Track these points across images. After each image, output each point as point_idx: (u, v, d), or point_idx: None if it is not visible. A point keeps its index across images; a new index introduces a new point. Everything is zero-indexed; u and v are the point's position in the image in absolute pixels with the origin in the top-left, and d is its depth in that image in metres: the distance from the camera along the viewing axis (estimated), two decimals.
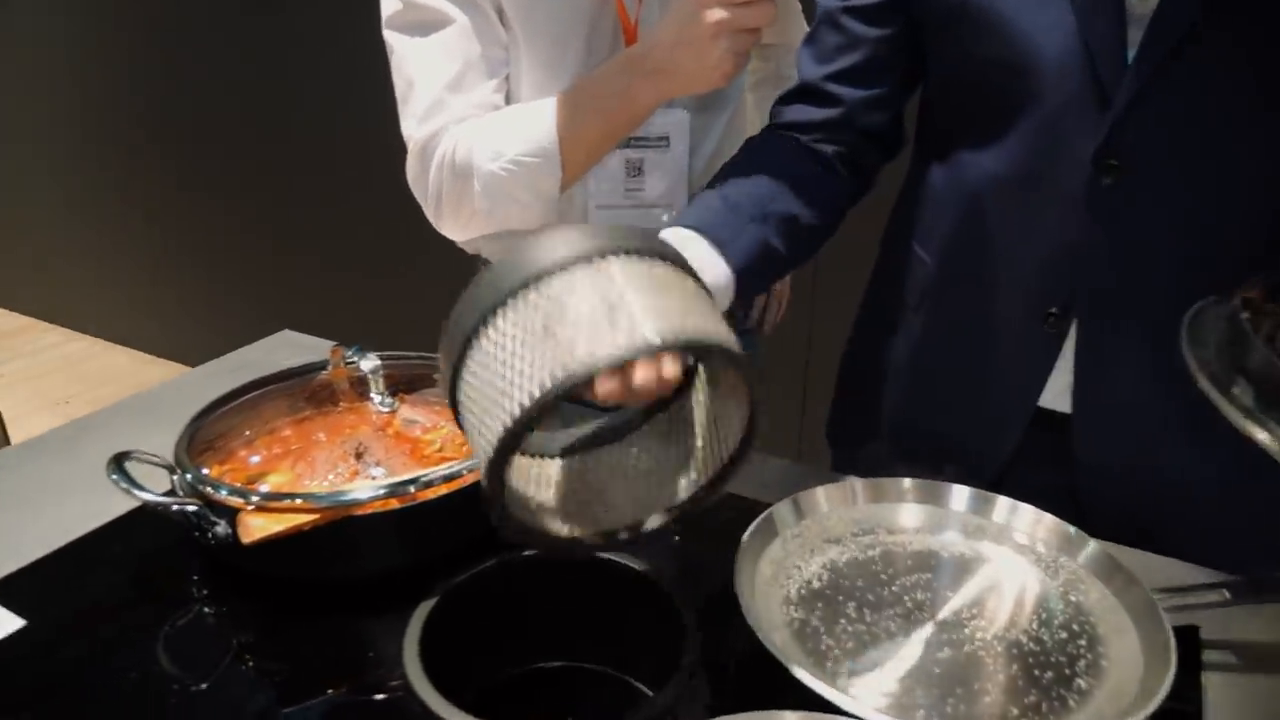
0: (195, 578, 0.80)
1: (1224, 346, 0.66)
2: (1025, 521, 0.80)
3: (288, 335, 1.29)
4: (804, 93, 0.92)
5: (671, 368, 0.61)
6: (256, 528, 0.72)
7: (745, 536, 0.75)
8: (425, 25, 1.00)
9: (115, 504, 0.87)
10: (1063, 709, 0.64)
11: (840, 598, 0.73)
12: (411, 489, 0.75)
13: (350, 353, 0.92)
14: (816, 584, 0.75)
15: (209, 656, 0.72)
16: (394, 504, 0.75)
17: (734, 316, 0.91)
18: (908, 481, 0.84)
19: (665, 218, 1.08)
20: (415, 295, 2.50)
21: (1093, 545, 0.77)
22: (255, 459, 0.85)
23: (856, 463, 1.02)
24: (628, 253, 0.58)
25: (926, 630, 0.70)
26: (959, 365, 0.92)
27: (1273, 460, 0.60)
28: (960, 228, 0.88)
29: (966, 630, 0.70)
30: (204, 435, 0.85)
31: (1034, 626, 0.71)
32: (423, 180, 1.03)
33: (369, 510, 0.74)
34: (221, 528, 0.75)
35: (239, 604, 0.78)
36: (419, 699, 0.66)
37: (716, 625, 0.73)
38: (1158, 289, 0.80)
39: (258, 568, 0.78)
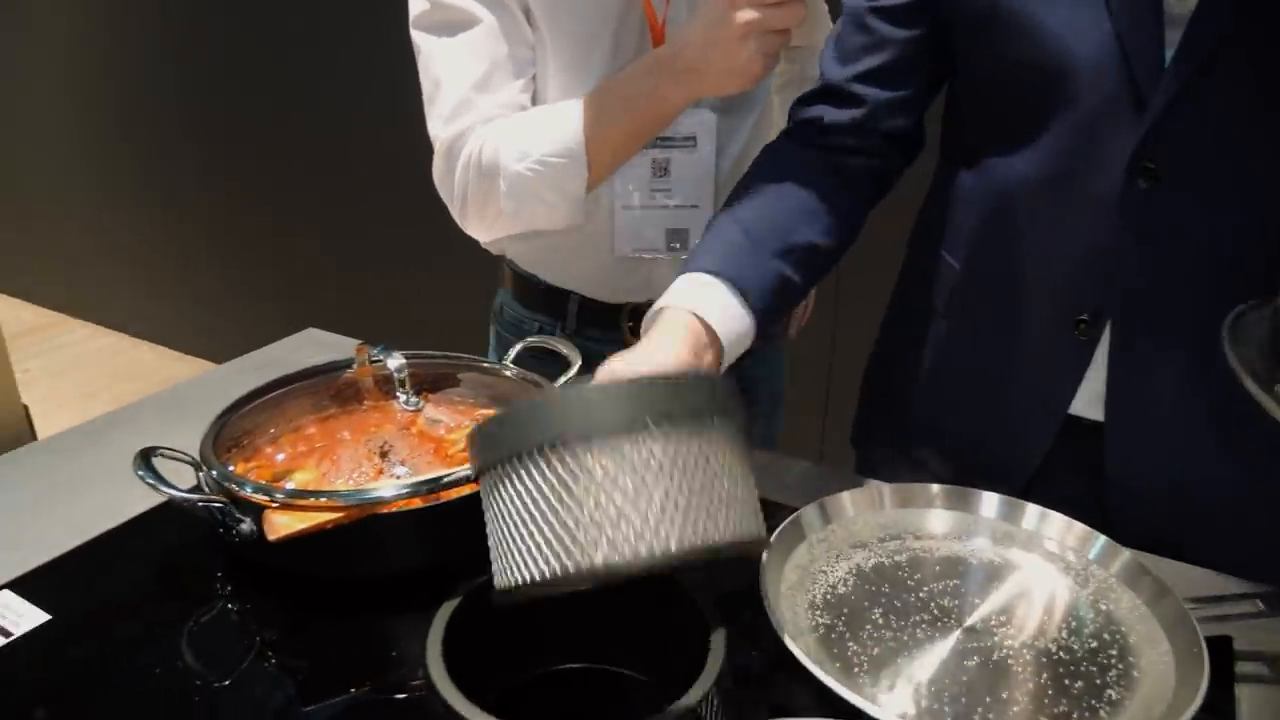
0: (219, 574, 0.80)
1: (1267, 346, 0.66)
2: (1055, 529, 0.79)
3: (313, 333, 1.29)
4: (827, 93, 0.91)
5: None
6: (281, 525, 0.72)
7: (771, 540, 0.74)
8: (452, 25, 1.00)
9: (140, 500, 0.87)
10: (1094, 719, 0.63)
11: (866, 603, 0.72)
12: (435, 488, 0.75)
13: (376, 351, 0.92)
14: (842, 589, 0.74)
15: (232, 653, 0.72)
16: (418, 503, 0.75)
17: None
18: (936, 487, 0.83)
19: (690, 223, 1.07)
20: (440, 295, 2.51)
21: (1125, 554, 0.76)
22: (280, 456, 0.85)
23: (881, 467, 1.02)
24: (675, 419, 0.57)
25: (954, 637, 0.69)
26: (987, 372, 0.91)
27: None
28: (989, 232, 0.87)
29: (995, 638, 0.69)
30: (230, 432, 0.85)
31: (1064, 635, 0.70)
32: (449, 180, 1.03)
33: (393, 509, 0.74)
34: (246, 525, 0.75)
35: (262, 601, 0.78)
36: (441, 699, 0.66)
37: (741, 629, 0.73)
38: (1193, 293, 0.78)
39: (282, 565, 0.78)
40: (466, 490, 0.76)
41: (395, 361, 0.91)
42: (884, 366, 1.05)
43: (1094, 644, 0.69)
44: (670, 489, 0.56)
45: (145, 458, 0.78)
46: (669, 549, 0.56)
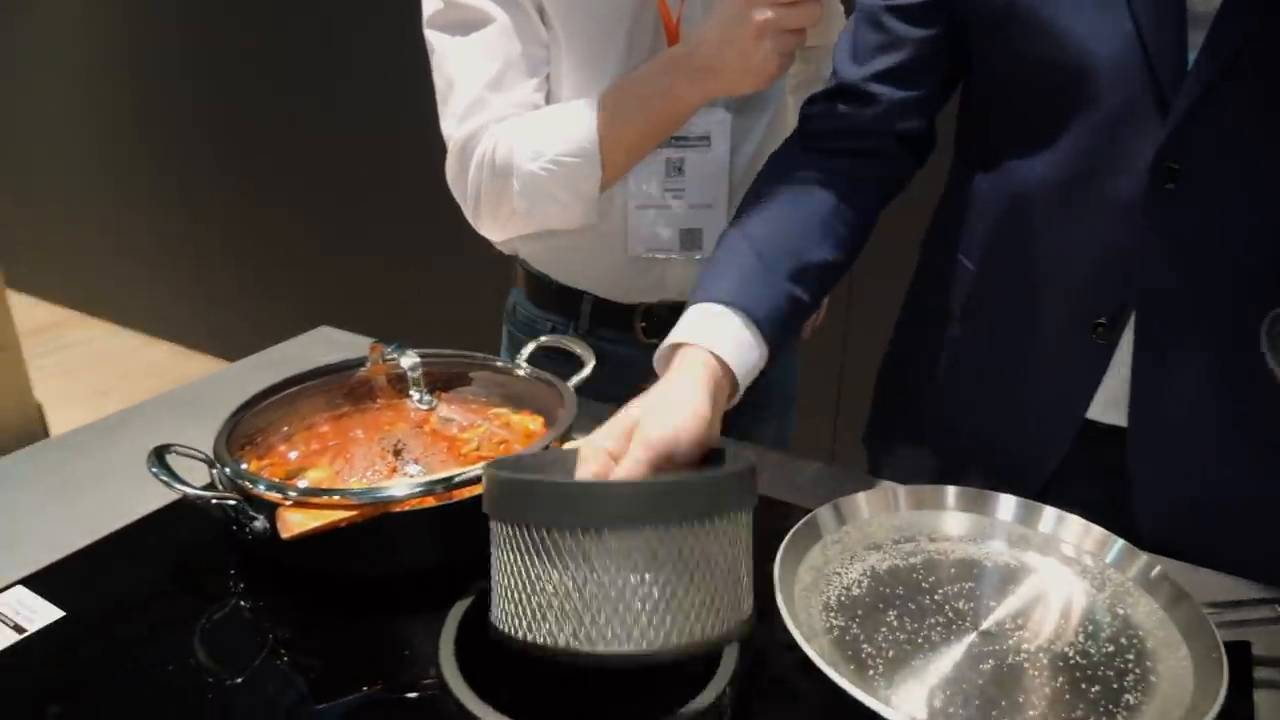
0: (232, 572, 0.81)
1: None
2: (1072, 532, 0.79)
3: (326, 331, 1.29)
4: (841, 93, 0.89)
5: None
6: (295, 523, 0.72)
7: (785, 541, 0.74)
8: (466, 24, 1.00)
9: (153, 497, 0.87)
10: None
11: (881, 605, 0.72)
12: (448, 487, 0.75)
13: (389, 349, 0.92)
14: (856, 591, 0.74)
15: (244, 651, 0.72)
16: (431, 502, 0.75)
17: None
18: (951, 489, 0.83)
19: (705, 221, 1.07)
20: (452, 295, 2.51)
21: (1142, 558, 0.75)
22: (293, 454, 0.85)
23: (895, 468, 1.01)
24: (689, 521, 0.59)
25: (969, 640, 0.69)
26: (1003, 374, 0.90)
27: None
28: (1005, 233, 0.87)
29: (1011, 641, 0.69)
30: (243, 430, 0.85)
31: (1080, 639, 0.69)
32: (462, 180, 1.03)
33: (406, 508, 0.74)
34: (260, 522, 0.75)
35: (275, 599, 0.78)
36: (454, 698, 0.66)
37: (754, 630, 0.73)
38: (1217, 295, 0.78)
39: (295, 563, 0.78)
40: (479, 489, 0.76)
41: (409, 360, 0.91)
42: (898, 368, 1.05)
43: (1111, 648, 0.69)
44: (689, 584, 0.58)
45: (159, 455, 0.78)
46: (668, 650, 0.58)
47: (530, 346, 1.00)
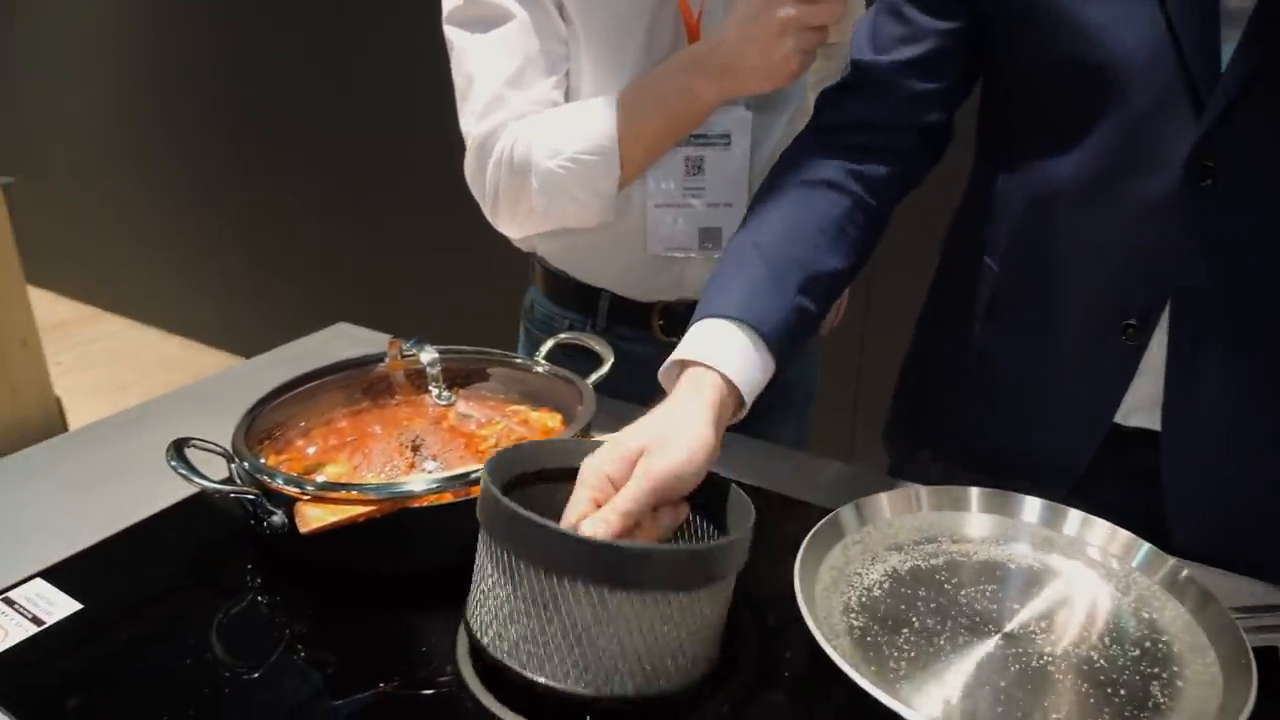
0: (249, 567, 0.80)
1: None
2: (1098, 536, 0.78)
3: (343, 327, 1.30)
4: (859, 83, 0.88)
5: None
6: (313, 518, 0.72)
7: (805, 541, 0.73)
8: (485, 21, 0.99)
9: (171, 491, 0.87)
10: None
11: (903, 607, 0.71)
12: (466, 484, 0.75)
13: (408, 345, 0.92)
14: (878, 592, 0.73)
15: (261, 646, 0.72)
16: (448, 498, 0.75)
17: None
18: (974, 490, 0.82)
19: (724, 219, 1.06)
20: (470, 292, 2.52)
21: (1169, 562, 0.74)
22: (311, 450, 0.85)
23: (916, 468, 1.00)
24: (685, 590, 0.62)
25: (993, 643, 0.68)
26: (1029, 377, 0.88)
27: None
28: (1030, 233, 0.85)
29: (1035, 644, 0.68)
30: (261, 425, 0.85)
31: (1105, 643, 0.68)
32: (480, 177, 1.03)
33: (424, 503, 0.74)
34: (278, 517, 0.75)
35: (292, 594, 0.77)
36: (471, 695, 0.66)
37: (774, 631, 0.72)
38: (1254, 294, 0.76)
39: (313, 558, 0.78)
40: None
41: (428, 355, 0.90)
42: (920, 368, 1.04)
43: (1136, 652, 0.68)
44: (669, 637, 0.62)
45: (178, 448, 0.78)
46: (639, 696, 0.62)
47: (549, 343, 1.00)
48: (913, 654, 0.67)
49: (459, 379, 0.94)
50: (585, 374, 0.93)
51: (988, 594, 0.73)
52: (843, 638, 0.68)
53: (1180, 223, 0.75)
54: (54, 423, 2.72)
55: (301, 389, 0.90)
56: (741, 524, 0.67)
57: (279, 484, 0.74)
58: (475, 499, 0.74)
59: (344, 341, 1.25)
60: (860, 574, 0.74)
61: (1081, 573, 0.76)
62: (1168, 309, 0.79)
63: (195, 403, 1.09)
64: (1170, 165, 0.74)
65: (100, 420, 1.05)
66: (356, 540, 0.74)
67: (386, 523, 0.73)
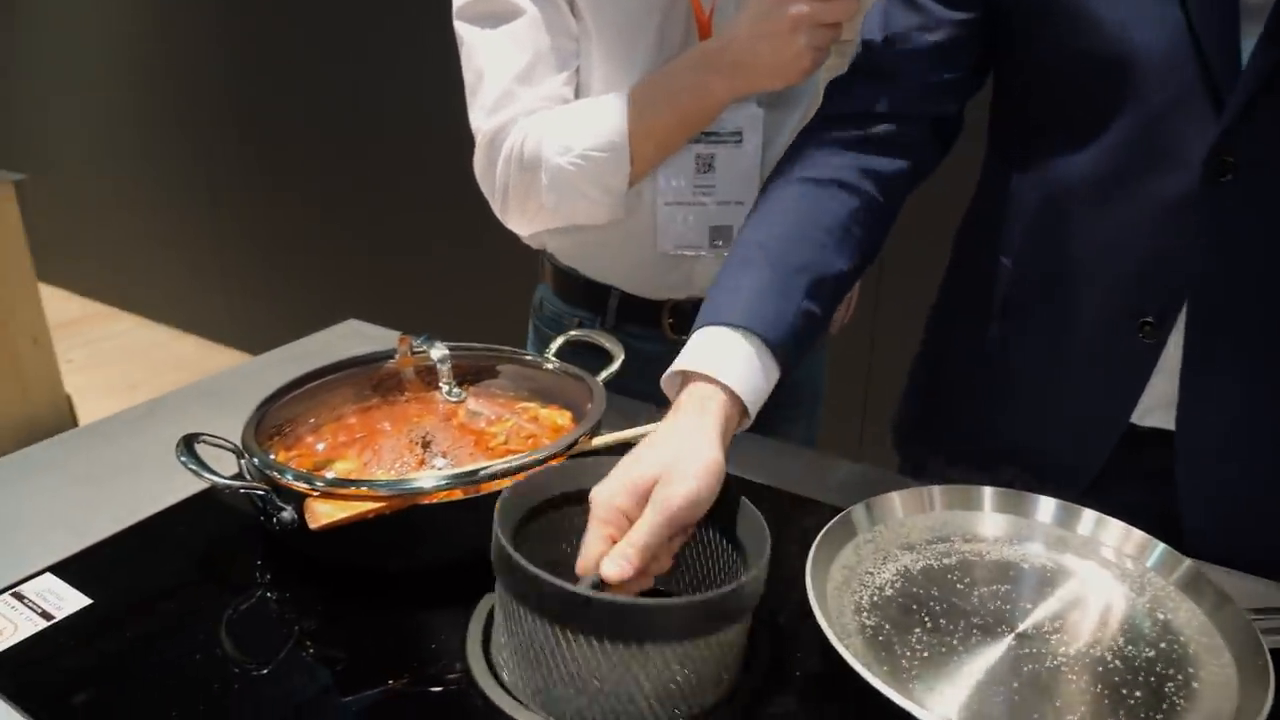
0: (259, 563, 0.80)
1: None
2: (1112, 536, 0.77)
3: (353, 324, 1.29)
4: (869, 72, 0.87)
5: None
6: (323, 514, 0.71)
7: (817, 540, 0.73)
8: (496, 16, 0.99)
9: (181, 487, 0.87)
10: None
11: (915, 606, 0.71)
12: (477, 481, 0.74)
13: (419, 341, 0.92)
14: (890, 591, 0.72)
15: (270, 642, 0.72)
16: (459, 495, 0.74)
17: None
18: (987, 489, 0.81)
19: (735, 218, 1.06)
20: (479, 289, 2.52)
21: (1184, 563, 0.73)
22: (321, 446, 0.85)
23: (927, 468, 0.99)
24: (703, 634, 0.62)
25: (1006, 643, 0.67)
26: (1043, 376, 0.88)
27: None
28: (1044, 230, 0.84)
29: (1049, 645, 0.67)
30: (271, 421, 0.85)
31: (1120, 643, 0.68)
32: (490, 173, 1.03)
33: (434, 500, 0.73)
34: (287, 513, 0.74)
35: (302, 590, 0.77)
36: (480, 692, 0.65)
37: (786, 630, 0.71)
38: (1271, 293, 0.75)
39: (322, 554, 0.77)
40: (507, 483, 0.75)
41: (439, 352, 0.90)
42: (931, 366, 1.03)
43: (1152, 653, 0.67)
44: (685, 677, 0.62)
45: (188, 444, 0.78)
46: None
47: (559, 340, 1.00)
48: (925, 654, 0.66)
49: (469, 376, 0.94)
50: (595, 371, 0.92)
51: (1001, 594, 0.72)
52: (855, 637, 0.67)
53: (1199, 220, 0.75)
54: (64, 420, 2.73)
55: (311, 385, 0.90)
56: (756, 545, 0.67)
57: (289, 480, 0.74)
58: (485, 496, 0.74)
59: (354, 339, 1.25)
60: (872, 573, 0.74)
61: (1096, 573, 0.75)
62: (1185, 307, 0.78)
63: (205, 399, 1.09)
64: (1188, 162, 0.73)
65: (110, 416, 1.05)
66: (366, 537, 0.74)
67: (396, 519, 0.73)
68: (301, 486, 0.74)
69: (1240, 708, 0.61)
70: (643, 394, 0.95)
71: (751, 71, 0.92)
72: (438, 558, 0.77)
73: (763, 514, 0.68)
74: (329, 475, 0.77)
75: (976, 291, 0.93)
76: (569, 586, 0.60)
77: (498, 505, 0.66)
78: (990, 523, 0.80)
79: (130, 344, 3.63)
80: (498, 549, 0.64)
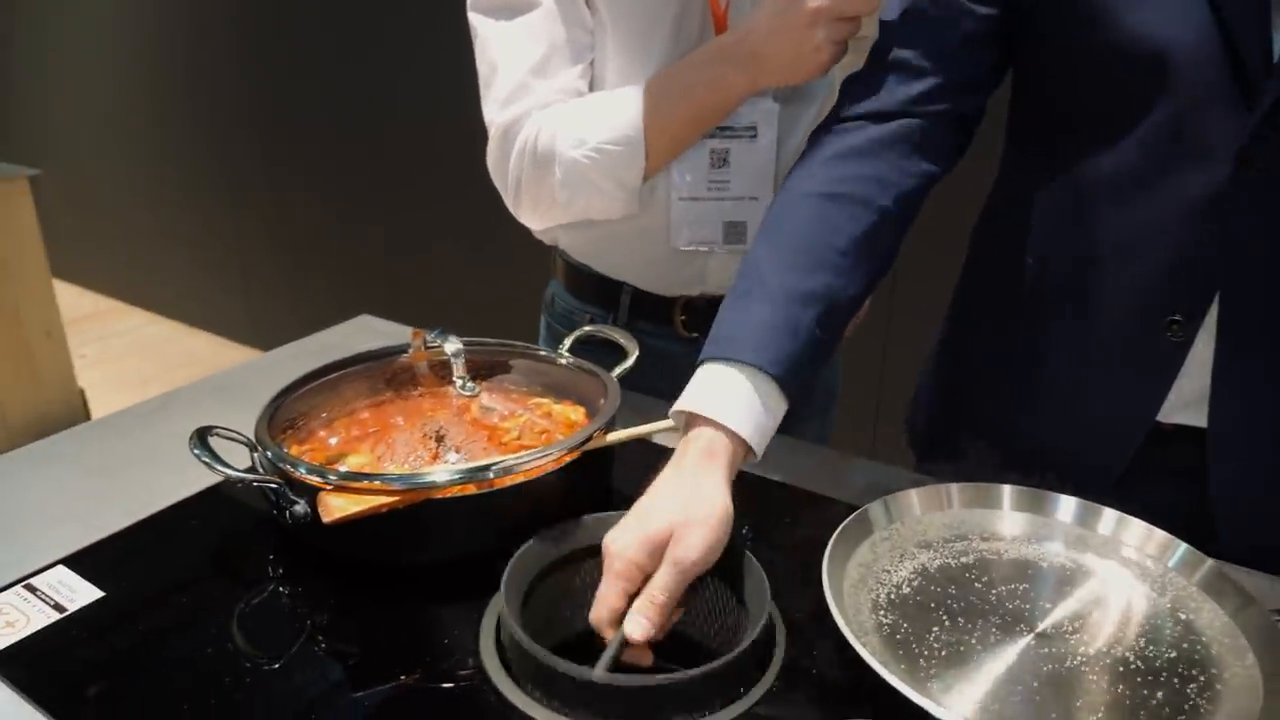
0: (271, 557, 0.80)
1: None
2: (1134, 535, 0.76)
3: (366, 320, 1.29)
4: (887, 65, 0.85)
5: None
6: (336, 507, 0.71)
7: (834, 537, 0.72)
8: (510, 8, 0.99)
9: (193, 480, 0.87)
10: None
11: (932, 604, 0.70)
12: (490, 475, 0.74)
13: (432, 335, 0.91)
14: (907, 589, 0.71)
15: (283, 636, 0.72)
16: (471, 489, 0.74)
17: None
18: (1006, 488, 0.80)
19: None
20: (491, 285, 2.52)
21: (1207, 563, 0.72)
22: (334, 440, 0.85)
23: (944, 466, 0.98)
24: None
25: (1025, 642, 0.66)
26: (1067, 375, 0.86)
27: None
28: (1067, 227, 0.83)
29: (1068, 644, 0.66)
30: (284, 414, 0.84)
31: (1141, 644, 0.67)
32: (503, 166, 1.02)
33: (447, 494, 0.73)
34: (300, 506, 0.74)
35: (314, 584, 0.77)
36: (493, 687, 0.65)
37: (802, 628, 0.71)
38: None
39: (335, 548, 0.77)
40: (520, 478, 0.75)
41: (453, 345, 0.90)
42: (950, 364, 1.01)
43: (1173, 654, 0.66)
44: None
45: (201, 436, 0.78)
46: None
47: (573, 335, 0.99)
48: (943, 652, 0.65)
49: (482, 371, 0.94)
50: (609, 366, 0.92)
51: (1020, 593, 0.71)
52: (872, 635, 0.67)
53: (1229, 215, 0.73)
54: (77, 414, 2.74)
55: (324, 379, 0.90)
56: (757, 600, 0.68)
57: (302, 473, 0.74)
58: (498, 491, 0.74)
59: (366, 334, 1.25)
60: (889, 571, 0.73)
61: (1116, 572, 0.74)
62: (1215, 303, 0.77)
63: (218, 393, 1.09)
64: (1218, 156, 0.72)
65: (124, 409, 1.05)
66: (379, 531, 0.73)
67: (409, 514, 0.73)
68: (314, 480, 0.73)
69: (1265, 710, 0.60)
70: (654, 390, 0.94)
71: (768, 65, 0.92)
72: (451, 552, 0.77)
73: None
74: (342, 469, 0.76)
75: (997, 290, 0.92)
76: (586, 675, 0.62)
77: (503, 581, 0.69)
78: (1009, 521, 0.79)
79: (143, 339, 3.64)
80: (505, 626, 0.67)
